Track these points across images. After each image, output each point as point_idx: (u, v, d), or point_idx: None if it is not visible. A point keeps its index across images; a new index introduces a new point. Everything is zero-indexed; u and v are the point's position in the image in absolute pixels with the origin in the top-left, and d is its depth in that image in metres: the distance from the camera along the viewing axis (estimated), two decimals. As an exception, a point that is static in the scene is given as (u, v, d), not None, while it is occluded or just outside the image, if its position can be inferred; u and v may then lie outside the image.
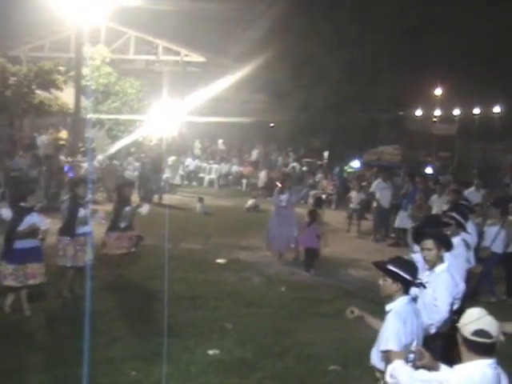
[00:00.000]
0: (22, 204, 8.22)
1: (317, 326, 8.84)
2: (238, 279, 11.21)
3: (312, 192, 22.00)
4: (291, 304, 9.84)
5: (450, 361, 4.28)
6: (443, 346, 5.63)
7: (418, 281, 4.84)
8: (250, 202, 19.66)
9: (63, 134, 23.54)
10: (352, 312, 5.20)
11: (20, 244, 8.05)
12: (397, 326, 4.64)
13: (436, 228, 6.59)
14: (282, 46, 28.36)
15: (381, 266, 4.87)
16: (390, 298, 4.83)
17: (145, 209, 10.60)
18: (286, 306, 9.73)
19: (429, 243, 5.78)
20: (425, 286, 5.05)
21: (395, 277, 4.76)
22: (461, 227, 7.54)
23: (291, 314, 9.34)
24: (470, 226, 8.51)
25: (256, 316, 9.14)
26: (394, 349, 4.57)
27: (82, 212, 9.02)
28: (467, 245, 7.84)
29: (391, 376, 4.34)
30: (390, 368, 4.40)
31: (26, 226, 8.04)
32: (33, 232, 8.16)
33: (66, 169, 18.08)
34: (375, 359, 4.93)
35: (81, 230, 9.06)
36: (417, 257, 6.23)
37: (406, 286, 4.79)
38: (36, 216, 8.27)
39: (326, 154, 27.01)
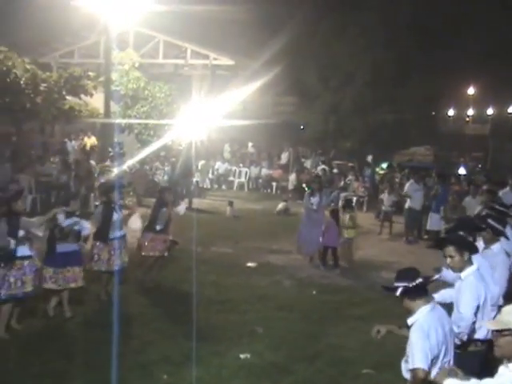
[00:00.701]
0: (65, 209, 8.29)
1: (349, 329, 8.74)
2: (268, 283, 11.15)
3: (343, 194, 21.77)
4: (322, 307, 9.75)
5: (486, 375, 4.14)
6: (480, 362, 5.46)
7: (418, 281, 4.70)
8: (281, 205, 19.55)
9: (93, 140, 23.75)
10: (378, 331, 5.11)
11: (61, 248, 8.13)
12: (420, 342, 4.54)
13: (468, 231, 6.39)
14: (309, 48, 28.27)
15: (390, 288, 4.84)
16: (410, 312, 4.76)
17: (182, 208, 10.65)
18: (318, 309, 9.64)
19: (450, 250, 5.60)
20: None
21: (405, 292, 4.71)
22: (500, 234, 7.12)
23: (322, 317, 9.24)
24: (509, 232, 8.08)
25: (287, 319, 9.07)
26: (420, 367, 4.48)
27: (115, 216, 9.01)
28: (507, 252, 7.42)
29: None
30: None
31: (64, 226, 8.12)
32: (74, 236, 8.19)
33: (96, 174, 18.20)
34: (404, 371, 4.83)
35: (114, 234, 9.09)
36: None
37: (413, 294, 4.70)
38: (77, 221, 8.33)
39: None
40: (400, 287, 4.72)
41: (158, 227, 10.06)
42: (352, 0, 28.53)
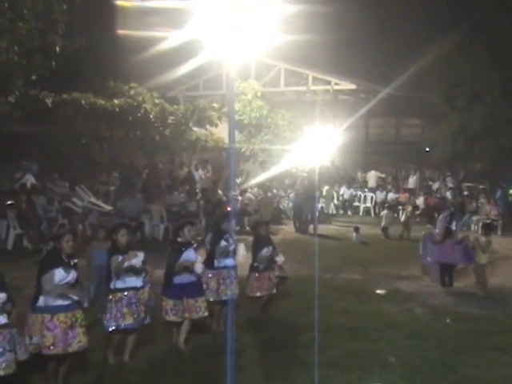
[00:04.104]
0: (179, 239, 8.28)
1: (487, 360, 8.16)
2: (399, 310, 10.71)
3: (474, 218, 20.86)
4: (457, 336, 9.17)
5: None
6: None
7: None
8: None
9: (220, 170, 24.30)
10: None
11: (178, 279, 8.08)
12: None
13: None
14: (433, 68, 27.44)
15: None
16: None
17: (280, 259, 10.01)
18: (452, 338, 9.07)
19: None
20: None
21: None
22: None
23: (458, 346, 8.68)
24: None
25: (421, 349, 8.60)
26: None
27: (223, 245, 8.97)
28: None
29: None
30: None
31: (182, 261, 8.06)
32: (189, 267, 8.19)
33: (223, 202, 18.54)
34: None
35: (223, 263, 9.02)
36: None
37: None
38: (192, 251, 8.25)
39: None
40: None
41: (260, 266, 9.72)
42: (475, 16, 27.52)
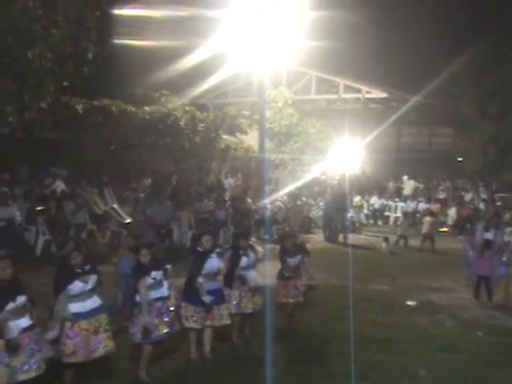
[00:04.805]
0: (198, 249, 8.19)
1: (519, 375, 7.92)
2: (429, 322, 10.50)
3: (508, 229, 20.41)
4: (490, 350, 8.95)
5: None
6: None
7: None
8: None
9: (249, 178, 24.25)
10: None
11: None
12: None
13: None
14: (465, 77, 27.08)
15: None
16: None
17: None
18: (484, 352, 8.85)
19: None
20: None
21: None
22: None
23: (490, 360, 8.46)
24: None
25: (452, 362, 8.39)
26: None
27: (244, 261, 8.81)
28: None
29: None
30: None
31: (206, 271, 7.99)
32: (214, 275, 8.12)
33: (251, 211, 18.50)
34: None
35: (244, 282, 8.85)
36: None
37: None
38: (215, 259, 8.17)
39: None
40: None
41: (286, 274, 9.68)
42: (509, 23, 27.09)
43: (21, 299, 6.04)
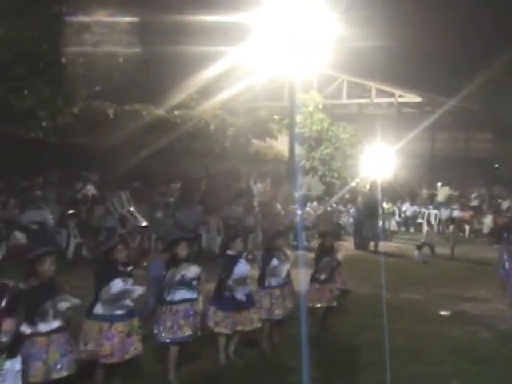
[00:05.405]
0: (229, 252, 8.14)
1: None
2: (463, 333, 10.18)
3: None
4: (528, 363, 8.64)
5: None
6: None
7: None
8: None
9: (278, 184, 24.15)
10: None
11: (230, 292, 7.95)
12: None
13: None
14: (504, 80, 26.62)
15: None
16: None
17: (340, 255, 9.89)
18: (522, 364, 8.55)
19: None
20: None
21: None
22: None
23: (530, 373, 8.16)
24: None
25: (487, 375, 8.09)
26: None
27: (274, 263, 8.71)
28: None
29: None
30: None
31: (236, 277, 7.92)
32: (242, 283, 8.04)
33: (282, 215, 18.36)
34: None
35: (275, 282, 8.74)
36: None
37: None
38: (244, 264, 8.09)
39: None
40: None
41: (322, 277, 9.51)
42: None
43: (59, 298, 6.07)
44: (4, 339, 5.04)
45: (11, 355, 5.17)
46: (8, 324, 5.05)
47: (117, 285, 6.60)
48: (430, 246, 18.58)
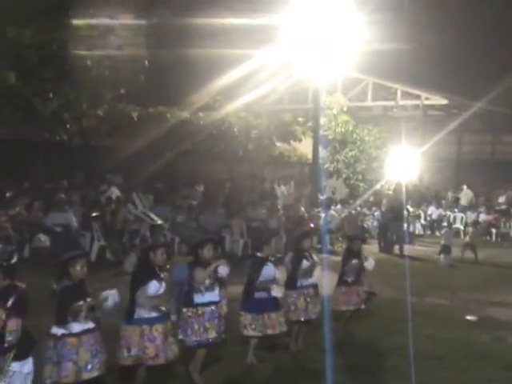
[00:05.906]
0: (258, 254, 8.16)
1: None
2: (490, 339, 9.99)
3: None
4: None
5: None
6: None
7: None
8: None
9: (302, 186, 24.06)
10: None
11: (258, 294, 7.94)
12: None
13: None
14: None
15: None
16: None
17: (370, 263, 9.86)
18: (552, 372, 8.35)
19: None
20: None
21: None
22: None
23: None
24: None
25: (517, 382, 7.96)
26: None
27: (305, 264, 8.69)
28: None
29: None
30: None
31: (263, 278, 7.92)
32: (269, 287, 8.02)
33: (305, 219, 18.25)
34: None
35: (307, 282, 8.73)
36: None
37: None
38: (271, 266, 8.08)
39: None
40: None
41: (349, 279, 9.49)
42: None
43: (90, 300, 6.20)
44: (9, 338, 5.14)
45: (19, 357, 5.25)
46: (13, 323, 5.15)
47: (154, 286, 6.65)
48: (448, 248, 18.22)
